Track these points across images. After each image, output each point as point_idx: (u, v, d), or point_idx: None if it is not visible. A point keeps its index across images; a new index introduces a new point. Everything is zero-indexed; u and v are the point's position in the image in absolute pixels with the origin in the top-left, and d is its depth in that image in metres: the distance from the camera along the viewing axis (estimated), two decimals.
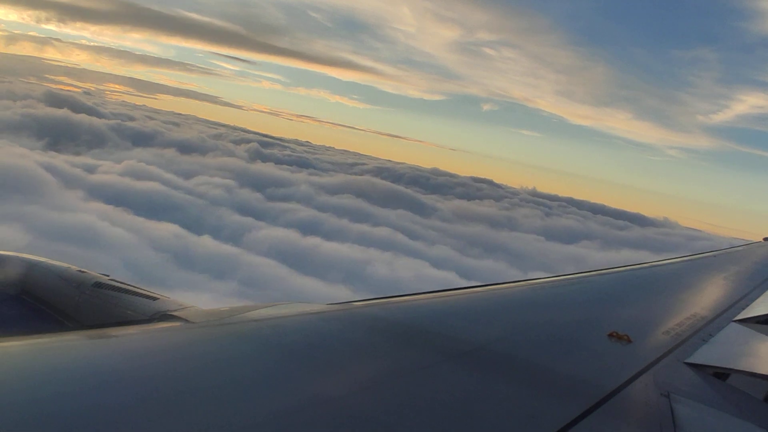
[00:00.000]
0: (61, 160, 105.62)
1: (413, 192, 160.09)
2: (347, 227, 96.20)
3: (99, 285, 3.60)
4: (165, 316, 3.03)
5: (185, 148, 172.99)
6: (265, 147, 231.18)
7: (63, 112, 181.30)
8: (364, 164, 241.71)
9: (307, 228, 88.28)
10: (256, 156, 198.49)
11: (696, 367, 2.85)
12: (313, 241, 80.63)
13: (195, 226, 74.39)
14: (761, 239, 12.83)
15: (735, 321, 4.04)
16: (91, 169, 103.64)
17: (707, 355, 3.08)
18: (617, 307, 4.17)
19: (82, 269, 3.81)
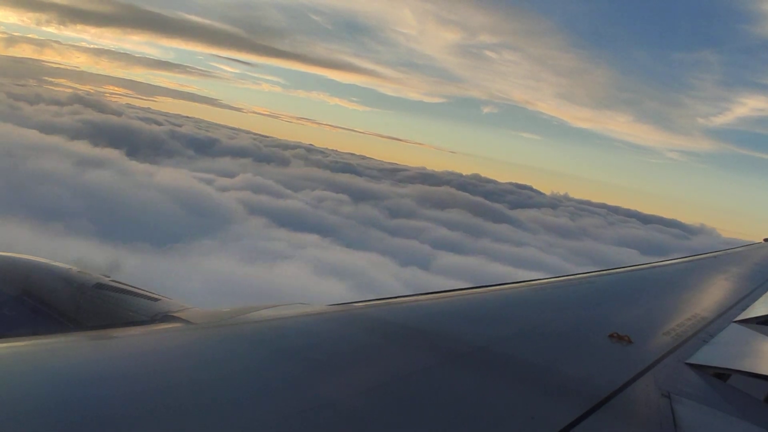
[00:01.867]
0: (179, 173, 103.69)
1: (490, 203, 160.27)
2: (465, 241, 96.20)
3: (100, 286, 3.60)
4: (166, 317, 3.04)
5: (259, 157, 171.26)
6: (311, 153, 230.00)
7: (122, 119, 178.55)
8: (405, 170, 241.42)
9: (442, 244, 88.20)
10: (312, 164, 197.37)
11: (697, 367, 2.84)
12: (467, 258, 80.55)
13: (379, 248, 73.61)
14: (761, 240, 12.84)
15: (735, 322, 4.01)
16: (208, 182, 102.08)
17: (708, 355, 3.07)
18: (618, 308, 4.16)
19: (83, 270, 3.80)
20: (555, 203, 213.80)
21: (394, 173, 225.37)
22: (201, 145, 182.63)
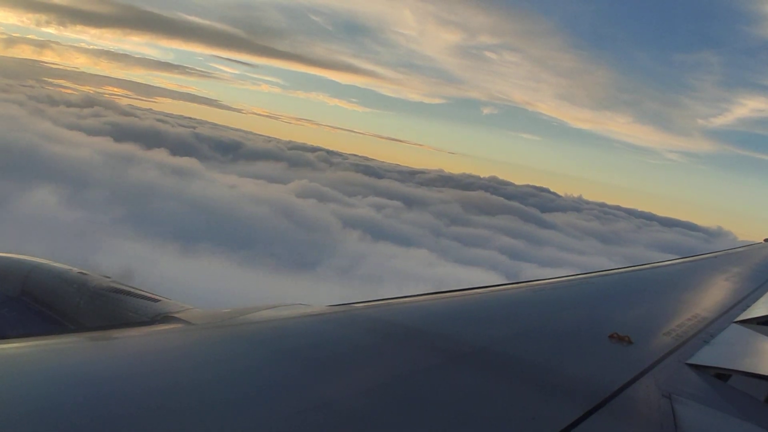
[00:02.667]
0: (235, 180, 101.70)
1: (525, 207, 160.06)
2: (532, 251, 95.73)
3: (100, 287, 3.57)
4: (166, 318, 3.02)
5: (292, 161, 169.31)
6: (331, 156, 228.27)
7: (150, 122, 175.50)
8: (423, 173, 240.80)
9: (515, 254, 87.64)
10: (337, 167, 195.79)
11: (697, 368, 2.84)
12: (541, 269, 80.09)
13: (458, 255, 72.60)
14: (762, 240, 12.81)
15: (736, 322, 4.01)
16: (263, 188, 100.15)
17: (708, 356, 3.07)
18: (618, 309, 4.16)
19: (84, 271, 3.77)
20: (577, 206, 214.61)
21: (413, 176, 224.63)
22: (226, 149, 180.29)
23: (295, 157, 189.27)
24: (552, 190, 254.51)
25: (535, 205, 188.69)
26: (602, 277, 5.18)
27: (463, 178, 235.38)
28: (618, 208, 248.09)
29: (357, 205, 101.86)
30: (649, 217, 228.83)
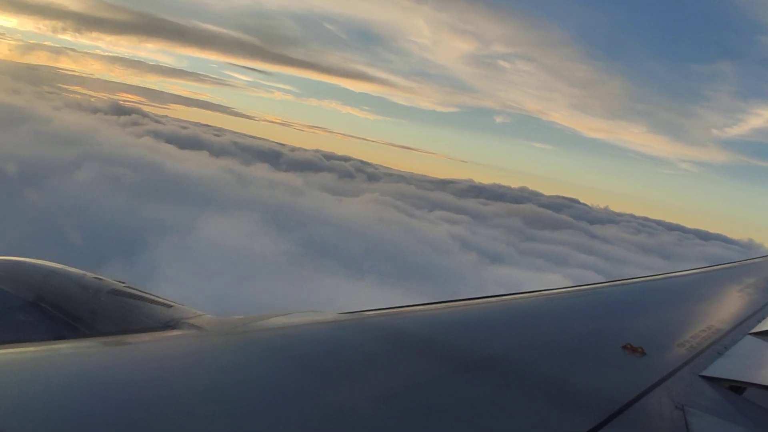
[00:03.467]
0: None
1: (575, 221, 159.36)
2: (614, 270, 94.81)
3: (115, 292, 3.60)
4: (179, 324, 3.04)
5: (341, 173, 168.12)
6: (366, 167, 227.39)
7: (191, 130, 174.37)
8: (455, 183, 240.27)
9: (599, 270, 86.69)
10: (372, 178, 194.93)
11: (711, 380, 2.80)
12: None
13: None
14: None
15: (751, 334, 3.93)
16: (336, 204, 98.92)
17: (723, 368, 3.02)
18: (631, 319, 4.09)
19: (98, 276, 3.82)
20: (611, 218, 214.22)
21: (445, 185, 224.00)
22: (267, 158, 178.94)
23: (338, 167, 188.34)
24: (581, 200, 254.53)
25: (575, 216, 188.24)
26: (615, 287, 5.12)
27: (494, 189, 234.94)
28: (646, 219, 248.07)
29: (430, 219, 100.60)
30: (683, 230, 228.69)
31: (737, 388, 2.81)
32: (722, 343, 3.53)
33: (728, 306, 5.18)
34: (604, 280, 5.31)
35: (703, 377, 2.82)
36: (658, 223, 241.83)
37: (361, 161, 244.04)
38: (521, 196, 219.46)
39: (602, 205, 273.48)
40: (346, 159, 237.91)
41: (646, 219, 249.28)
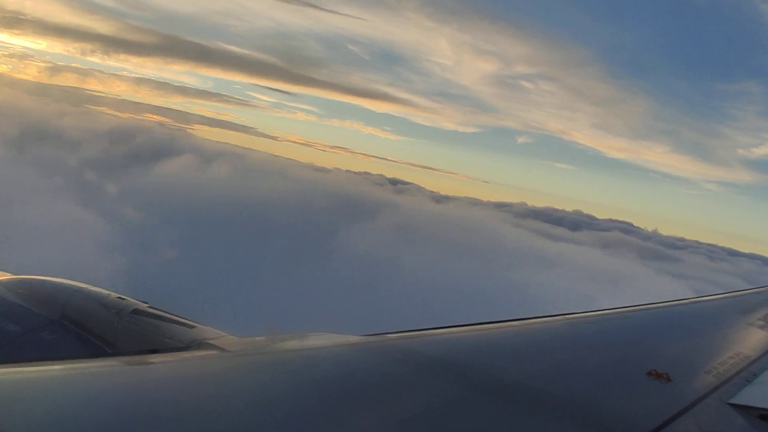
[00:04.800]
0: None
1: (653, 245, 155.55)
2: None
3: (137, 312, 3.60)
4: (202, 344, 3.03)
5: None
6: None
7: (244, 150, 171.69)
8: (509, 206, 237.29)
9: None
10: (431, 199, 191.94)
11: (740, 408, 2.74)
12: None
13: None
14: None
15: None
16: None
17: (751, 396, 2.95)
18: (657, 345, 3.97)
19: (122, 296, 3.81)
20: (671, 243, 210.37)
21: (501, 207, 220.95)
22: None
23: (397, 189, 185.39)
24: (634, 224, 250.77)
25: (643, 242, 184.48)
26: (640, 312, 4.98)
27: (548, 211, 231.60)
28: (698, 243, 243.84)
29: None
30: (742, 255, 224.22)
31: (766, 416, 2.72)
32: (750, 370, 3.40)
33: (757, 332, 4.88)
34: (629, 305, 5.05)
35: (731, 405, 2.75)
36: (710, 247, 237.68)
37: (403, 182, 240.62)
38: (579, 220, 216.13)
39: (650, 228, 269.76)
40: (398, 182, 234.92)
41: (697, 243, 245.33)
